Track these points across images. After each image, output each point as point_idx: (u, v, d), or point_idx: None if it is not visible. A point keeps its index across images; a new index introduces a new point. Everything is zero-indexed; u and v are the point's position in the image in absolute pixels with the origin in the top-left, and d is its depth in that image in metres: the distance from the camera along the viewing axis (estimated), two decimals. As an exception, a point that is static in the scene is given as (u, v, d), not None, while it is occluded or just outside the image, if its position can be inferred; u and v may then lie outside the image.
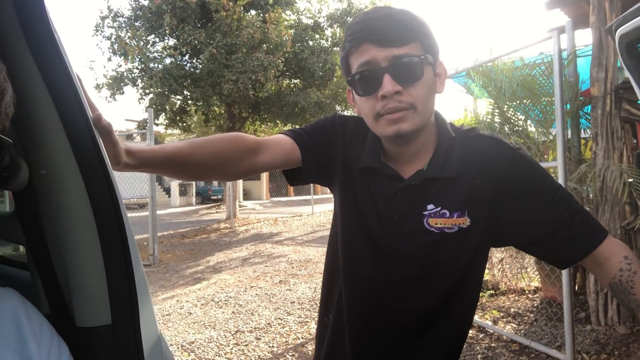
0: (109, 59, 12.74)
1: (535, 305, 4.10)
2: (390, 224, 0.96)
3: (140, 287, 0.61)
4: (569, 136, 3.66)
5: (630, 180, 3.07)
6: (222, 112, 14.61)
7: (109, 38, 12.51)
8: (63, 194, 0.58)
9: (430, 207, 0.92)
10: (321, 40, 14.74)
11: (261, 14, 12.68)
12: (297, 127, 1.06)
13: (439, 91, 0.94)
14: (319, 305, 1.17)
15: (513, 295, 4.44)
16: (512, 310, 4.06)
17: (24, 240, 0.64)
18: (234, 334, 4.13)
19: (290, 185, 1.13)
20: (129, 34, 12.13)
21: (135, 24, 12.40)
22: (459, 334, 1.01)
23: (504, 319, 3.87)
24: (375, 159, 0.98)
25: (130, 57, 11.58)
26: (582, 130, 3.86)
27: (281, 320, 4.47)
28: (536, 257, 1.02)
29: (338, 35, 14.48)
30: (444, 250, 0.93)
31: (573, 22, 3.62)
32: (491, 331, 3.63)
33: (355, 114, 1.02)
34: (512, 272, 4.56)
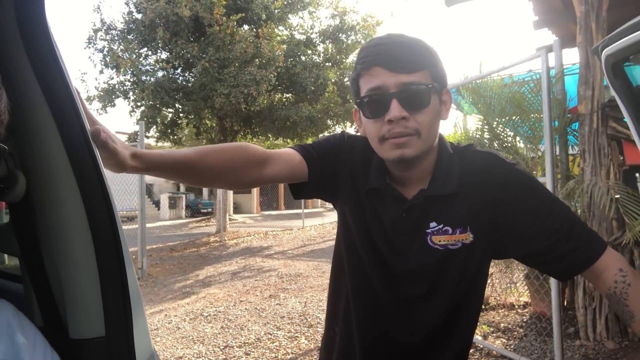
0: (101, 72, 12.78)
1: (525, 320, 4.11)
2: (397, 244, 0.98)
3: (134, 300, 0.61)
4: (557, 152, 3.72)
5: (617, 196, 3.11)
6: (214, 125, 14.62)
7: (101, 50, 12.54)
8: (59, 206, 0.58)
9: (433, 224, 0.95)
10: (313, 56, 14.88)
11: (254, 29, 12.80)
12: (300, 142, 1.08)
13: (443, 118, 0.97)
14: (325, 317, 1.19)
15: (503, 310, 4.45)
16: (502, 325, 4.06)
17: (18, 251, 0.64)
18: (223, 349, 4.08)
19: (295, 198, 1.15)
20: (121, 47, 12.16)
21: (128, 37, 12.44)
22: (465, 347, 1.03)
23: (494, 334, 3.87)
24: (381, 180, 1.00)
25: (122, 70, 11.59)
26: (570, 147, 3.93)
27: (271, 335, 4.42)
28: (538, 270, 1.04)
29: (330, 50, 14.64)
30: (449, 267, 0.95)
31: (560, 41, 3.70)
32: (481, 346, 3.63)
33: (355, 131, 1.04)
34: (501, 286, 4.57)
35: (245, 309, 5.47)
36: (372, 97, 0.91)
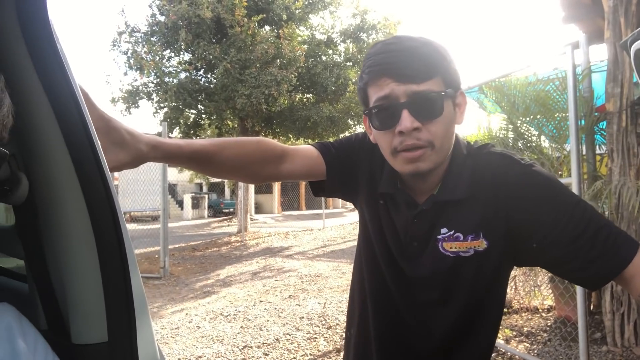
0: (125, 74, 13.00)
1: (549, 324, 4.00)
2: (410, 249, 0.95)
3: (138, 304, 0.60)
4: (584, 152, 3.60)
5: (647, 197, 2.99)
6: (235, 126, 14.74)
7: (125, 53, 12.77)
8: (61, 208, 0.57)
9: (443, 230, 0.91)
10: (334, 55, 14.86)
11: (275, 30, 12.85)
12: (326, 140, 1.07)
13: (458, 122, 0.92)
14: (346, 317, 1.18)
15: (526, 314, 4.35)
16: (525, 329, 3.96)
17: (23, 254, 0.63)
18: (242, 349, 4.09)
19: (315, 196, 1.14)
20: (145, 49, 12.36)
21: (152, 39, 12.64)
22: (486, 355, 0.99)
23: (517, 338, 3.78)
24: (392, 184, 0.97)
25: (145, 72, 11.78)
26: (597, 147, 3.80)
27: (290, 335, 4.42)
28: (564, 278, 0.97)
29: (351, 50, 14.59)
30: (462, 275, 0.91)
31: (588, 37, 3.58)
32: (503, 350, 3.55)
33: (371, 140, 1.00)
34: (525, 289, 4.47)
35: (265, 309, 5.49)
36: (381, 107, 0.86)
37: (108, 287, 0.57)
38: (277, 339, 4.31)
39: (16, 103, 0.53)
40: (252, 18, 11.74)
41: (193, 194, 29.14)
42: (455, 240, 0.89)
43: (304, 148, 1.04)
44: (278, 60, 12.01)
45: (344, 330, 1.19)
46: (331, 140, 1.10)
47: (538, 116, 4.01)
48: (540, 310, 4.38)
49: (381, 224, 1.00)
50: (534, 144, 4.20)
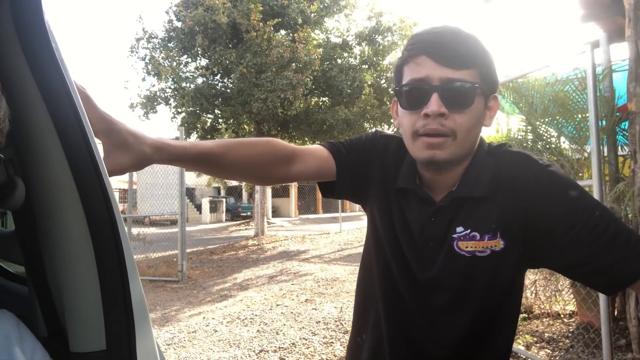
0: (143, 79, 13.23)
1: (571, 330, 3.90)
2: (426, 250, 0.93)
3: (138, 311, 0.59)
4: (605, 153, 3.51)
5: (673, 199, 2.90)
6: (252, 130, 14.83)
7: (143, 59, 12.95)
8: (59, 213, 0.56)
9: (459, 229, 0.88)
10: (350, 58, 14.85)
11: (290, 34, 12.89)
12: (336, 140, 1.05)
13: (486, 125, 0.91)
14: (352, 322, 1.15)
15: (547, 319, 4.24)
16: (547, 335, 3.87)
17: (22, 260, 0.63)
18: (258, 353, 4.08)
19: (323, 197, 1.12)
20: (162, 55, 12.52)
21: (169, 44, 12.80)
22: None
23: (538, 344, 3.69)
24: (411, 180, 0.95)
25: (163, 77, 11.92)
26: (620, 147, 3.70)
27: (306, 340, 4.39)
28: (581, 283, 0.94)
29: (366, 53, 14.56)
30: (477, 275, 0.88)
31: (608, 36, 3.50)
32: (524, 357, 3.46)
33: (393, 132, 0.98)
34: (545, 294, 4.36)
35: (281, 312, 5.48)
36: (413, 86, 0.85)
37: (106, 294, 0.56)
38: (293, 344, 4.29)
39: (12, 107, 0.53)
40: (268, 22, 11.81)
41: (211, 198, 29.39)
42: (471, 240, 0.87)
43: (314, 148, 1.02)
44: (293, 64, 12.04)
45: (350, 336, 1.16)
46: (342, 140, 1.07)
47: (557, 117, 3.92)
48: (562, 316, 4.27)
49: (394, 226, 0.97)
50: (553, 146, 4.11)
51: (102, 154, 0.62)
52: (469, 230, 0.87)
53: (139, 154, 0.74)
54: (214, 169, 0.92)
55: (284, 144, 0.98)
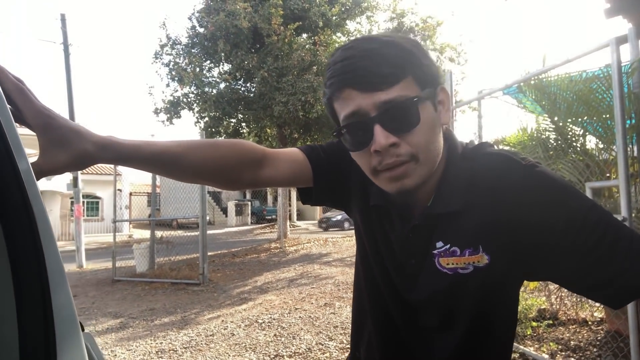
0: (167, 85, 13.41)
1: (599, 338, 3.71)
2: (408, 269, 0.85)
3: (63, 328, 0.53)
4: (635, 152, 3.33)
5: None
6: (274, 133, 14.88)
7: (167, 65, 13.15)
8: None
9: (439, 244, 0.80)
10: (372, 60, 14.71)
11: (311, 37, 12.88)
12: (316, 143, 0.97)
13: (445, 122, 0.80)
14: (350, 337, 1.08)
15: (574, 327, 4.05)
16: (572, 343, 3.69)
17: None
18: (273, 358, 4.03)
19: (303, 203, 1.03)
20: (186, 61, 12.68)
21: (192, 50, 12.97)
22: None
23: (563, 353, 3.52)
24: (383, 196, 0.87)
25: (186, 82, 12.08)
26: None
27: (322, 345, 4.32)
28: (586, 297, 0.81)
29: (388, 54, 14.40)
30: (462, 294, 0.79)
31: (637, 30, 3.32)
32: (548, 366, 3.31)
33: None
34: (571, 300, 4.18)
35: (300, 317, 5.42)
36: (351, 125, 0.75)
37: (22, 308, 0.50)
38: (309, 349, 4.23)
39: None
40: (289, 26, 11.83)
41: (237, 201, 29.68)
42: (452, 255, 0.78)
43: (289, 151, 0.94)
44: (315, 67, 12.02)
45: (350, 348, 1.09)
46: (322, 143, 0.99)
47: (584, 116, 3.75)
48: (590, 323, 4.08)
49: (377, 241, 0.90)
50: (578, 145, 3.93)
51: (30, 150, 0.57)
52: (448, 245, 0.79)
53: (79, 152, 0.69)
54: (172, 171, 0.84)
55: (253, 146, 0.90)
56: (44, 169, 0.66)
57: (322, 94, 0.83)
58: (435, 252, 0.80)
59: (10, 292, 0.49)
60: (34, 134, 0.67)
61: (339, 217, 20.81)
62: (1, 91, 0.56)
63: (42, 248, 0.52)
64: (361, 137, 0.75)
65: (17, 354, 0.49)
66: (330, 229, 20.70)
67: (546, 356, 3.45)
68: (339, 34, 14.49)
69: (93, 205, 24.71)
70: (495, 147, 0.85)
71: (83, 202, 14.54)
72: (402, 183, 0.75)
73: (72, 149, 0.68)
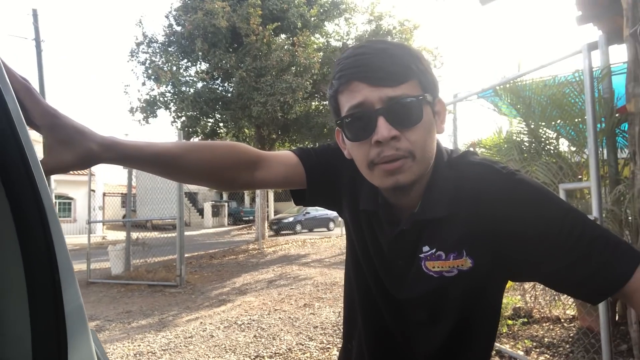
0: (143, 84, 13.16)
1: (572, 335, 3.83)
2: (396, 269, 0.89)
3: (73, 323, 0.54)
4: (605, 155, 3.46)
5: (673, 201, 2.84)
6: (252, 134, 14.80)
7: (143, 63, 12.94)
8: None
9: (425, 248, 0.84)
10: (350, 62, 14.78)
11: (290, 38, 12.88)
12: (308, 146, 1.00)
13: (439, 132, 0.85)
14: (342, 329, 1.12)
15: (547, 324, 4.18)
16: (546, 340, 3.80)
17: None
18: (254, 358, 4.02)
19: (296, 204, 1.08)
20: (162, 59, 12.51)
21: (169, 49, 12.80)
22: None
23: (537, 349, 3.63)
24: (373, 201, 0.91)
25: (162, 81, 11.92)
26: (620, 149, 3.64)
27: (302, 345, 4.34)
28: (566, 294, 0.88)
29: (367, 56, 14.50)
30: (449, 295, 0.84)
31: (607, 37, 3.45)
32: (523, 363, 3.40)
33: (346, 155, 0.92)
34: (545, 298, 4.30)
35: (279, 317, 5.42)
36: (355, 115, 0.78)
37: (35, 301, 0.51)
38: (289, 349, 4.24)
39: None
40: (267, 26, 11.80)
41: (213, 202, 29.39)
42: (437, 259, 0.82)
43: (282, 154, 0.97)
44: (293, 68, 12.03)
45: (342, 340, 1.13)
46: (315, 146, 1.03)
47: (557, 120, 3.87)
48: (562, 320, 4.21)
49: (366, 241, 0.94)
50: (551, 147, 4.05)
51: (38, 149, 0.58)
52: (434, 250, 0.83)
53: (84, 151, 0.70)
54: (171, 171, 0.87)
55: (249, 148, 0.93)
56: (50, 168, 0.68)
57: (329, 87, 0.85)
58: (421, 255, 0.84)
59: (23, 290, 0.50)
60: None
61: (290, 219, 19.95)
62: (12, 90, 0.56)
63: (53, 245, 0.52)
64: (364, 128, 0.78)
65: (30, 350, 0.50)
66: (282, 232, 19.64)
67: (521, 353, 3.54)
68: (317, 35, 14.53)
69: (65, 206, 24.16)
70: (478, 155, 0.89)
71: (55, 202, 14.18)
72: (396, 178, 0.78)
73: (77, 148, 0.70)
